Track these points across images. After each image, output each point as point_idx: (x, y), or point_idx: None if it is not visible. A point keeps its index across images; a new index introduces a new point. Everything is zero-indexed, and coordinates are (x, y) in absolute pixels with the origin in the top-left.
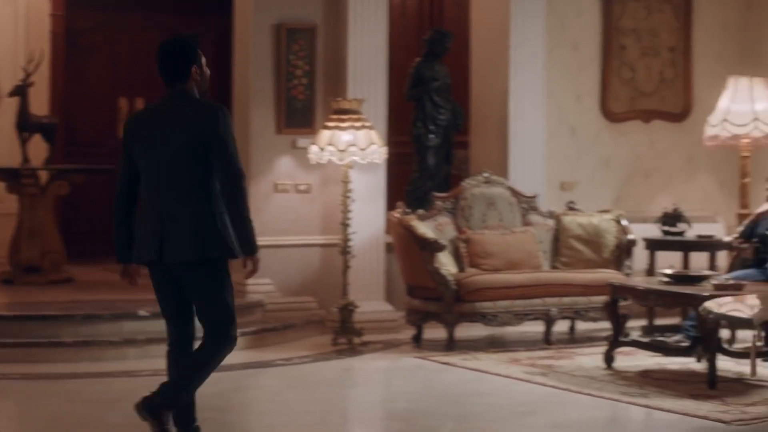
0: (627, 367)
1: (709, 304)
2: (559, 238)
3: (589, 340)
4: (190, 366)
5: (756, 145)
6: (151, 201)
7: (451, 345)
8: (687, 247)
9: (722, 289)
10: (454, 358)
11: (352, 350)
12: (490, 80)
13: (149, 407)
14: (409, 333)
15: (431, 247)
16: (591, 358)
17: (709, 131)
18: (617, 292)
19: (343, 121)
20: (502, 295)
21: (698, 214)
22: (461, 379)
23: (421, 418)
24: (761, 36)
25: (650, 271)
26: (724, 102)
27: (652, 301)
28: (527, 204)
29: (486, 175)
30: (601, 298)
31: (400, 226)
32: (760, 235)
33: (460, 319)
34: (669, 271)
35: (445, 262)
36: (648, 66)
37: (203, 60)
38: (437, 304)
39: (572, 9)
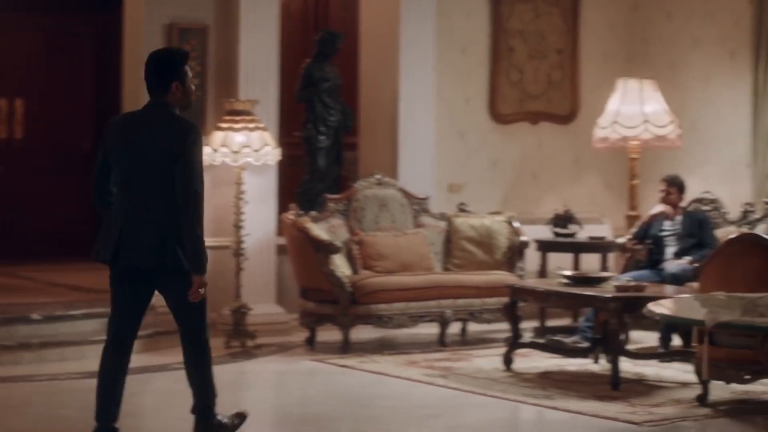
0: (526, 368)
1: (653, 306)
2: (450, 239)
3: (482, 341)
4: (195, 378)
5: (645, 147)
6: (122, 206)
7: (346, 347)
8: (579, 248)
9: (623, 291)
10: (351, 361)
11: (246, 353)
12: (380, 82)
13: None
14: (301, 335)
15: (326, 249)
16: (488, 359)
17: (599, 133)
18: (516, 293)
19: (236, 122)
20: (397, 297)
21: (585, 215)
22: (362, 381)
23: (332, 421)
24: (647, 38)
25: (542, 273)
26: (613, 104)
27: (553, 302)
28: (419, 206)
29: (378, 176)
30: (495, 300)
31: (295, 229)
32: (653, 237)
33: (355, 321)
34: (568, 273)
35: (339, 264)
36: (536, 68)
37: (189, 75)
38: (332, 307)
39: (461, 11)
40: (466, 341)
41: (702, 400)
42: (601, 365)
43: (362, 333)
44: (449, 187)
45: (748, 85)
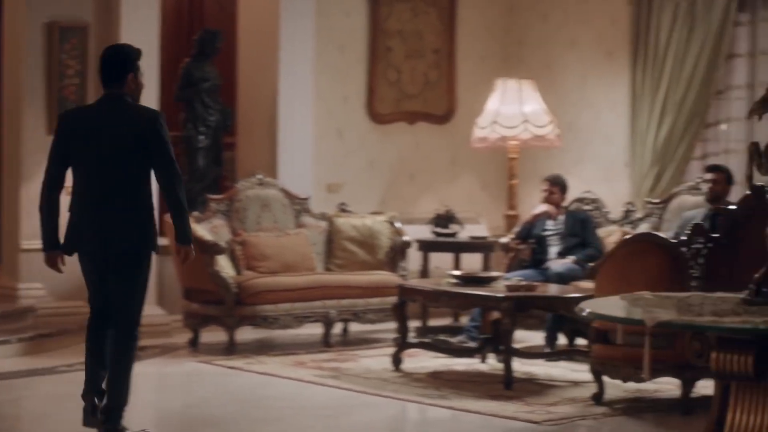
0: (415, 368)
1: (585, 305)
2: (332, 239)
3: (365, 342)
4: (117, 374)
5: (524, 147)
6: (89, 194)
7: (231, 349)
8: (461, 248)
9: (515, 290)
10: (238, 362)
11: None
12: (259, 81)
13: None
14: (184, 337)
15: (212, 249)
16: (375, 360)
17: (479, 133)
18: (406, 293)
19: None
20: (282, 298)
21: (462, 215)
22: (252, 383)
23: (231, 423)
24: (523, 39)
25: (424, 273)
26: (493, 104)
27: (444, 302)
28: (300, 206)
29: (259, 176)
30: (378, 300)
31: None
32: (536, 236)
33: (241, 322)
34: (457, 273)
35: (224, 265)
36: (413, 68)
37: (140, 70)
38: (218, 308)
39: (340, 10)
40: (348, 341)
41: (598, 398)
42: (489, 365)
43: (246, 334)
44: (327, 187)
45: (625, 85)
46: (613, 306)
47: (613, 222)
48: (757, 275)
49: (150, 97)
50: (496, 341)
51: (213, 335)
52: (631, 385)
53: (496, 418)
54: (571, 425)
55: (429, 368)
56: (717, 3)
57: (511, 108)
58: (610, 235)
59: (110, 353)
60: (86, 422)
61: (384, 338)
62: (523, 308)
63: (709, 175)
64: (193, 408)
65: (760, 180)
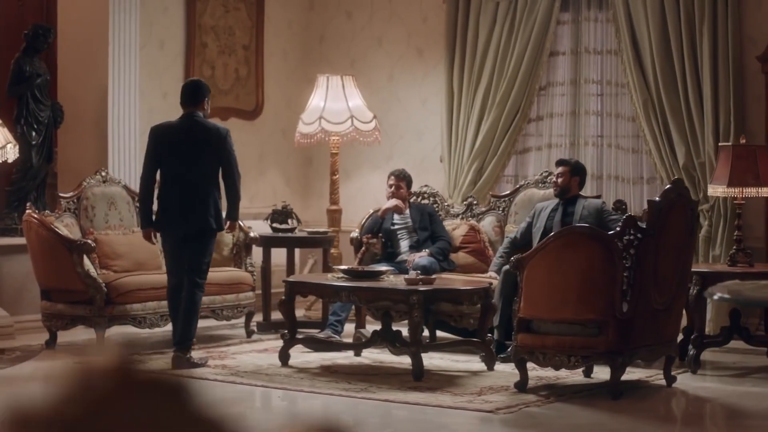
0: (302, 363)
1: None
2: None
3: (221, 339)
4: (187, 312)
5: (348, 141)
6: (175, 186)
7: None
8: (302, 243)
9: (413, 284)
10: None
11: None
12: (85, 77)
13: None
14: (31, 339)
15: (80, 248)
16: (250, 356)
17: (304, 129)
18: (294, 289)
19: None
20: (151, 296)
21: (269, 210)
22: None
23: None
24: (324, 35)
25: (267, 269)
26: (317, 100)
27: (343, 297)
28: None
29: (103, 173)
30: (233, 297)
31: (42, 228)
32: (385, 231)
33: (111, 322)
34: (344, 267)
35: (87, 264)
36: (225, 64)
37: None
38: (86, 308)
39: (160, 5)
40: (206, 338)
41: (522, 386)
42: (370, 358)
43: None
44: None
45: (437, 82)
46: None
47: (456, 215)
48: None
49: None
50: (387, 334)
51: (68, 336)
52: (545, 374)
53: (441, 408)
54: (525, 413)
55: (314, 363)
56: (540, 2)
57: (337, 104)
58: (456, 228)
59: (184, 299)
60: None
61: (238, 335)
62: (431, 301)
63: (557, 169)
64: None
65: None
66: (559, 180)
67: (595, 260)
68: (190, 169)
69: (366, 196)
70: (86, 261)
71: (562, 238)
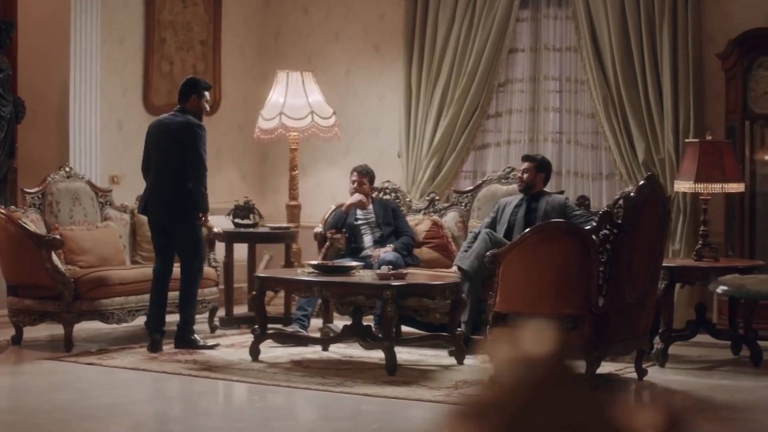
0: (272, 358)
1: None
2: (136, 232)
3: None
4: (180, 299)
5: (307, 137)
6: (152, 176)
7: (69, 345)
8: (264, 238)
9: (386, 279)
10: (91, 358)
11: None
12: (46, 73)
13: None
14: None
15: (49, 244)
16: (218, 351)
17: (264, 125)
18: (265, 285)
19: None
20: (118, 291)
21: (225, 205)
22: (143, 379)
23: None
24: (280, 31)
25: (229, 264)
26: (276, 96)
27: (315, 292)
28: (104, 198)
29: (68, 168)
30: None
31: (10, 223)
32: (348, 226)
33: (79, 317)
34: (314, 262)
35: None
36: (183, 60)
37: (206, 97)
38: (54, 303)
39: (119, 1)
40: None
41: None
42: (338, 353)
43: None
44: (111, 179)
45: (394, 78)
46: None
47: (418, 211)
48: None
49: None
50: (357, 329)
51: (35, 332)
52: None
53: (421, 402)
54: None
55: (284, 358)
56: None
57: (298, 100)
58: (419, 224)
59: (180, 284)
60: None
61: (200, 330)
62: (404, 296)
63: (523, 165)
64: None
65: None
66: (525, 176)
67: (571, 255)
68: (162, 161)
69: (323, 192)
70: (54, 256)
71: (538, 234)
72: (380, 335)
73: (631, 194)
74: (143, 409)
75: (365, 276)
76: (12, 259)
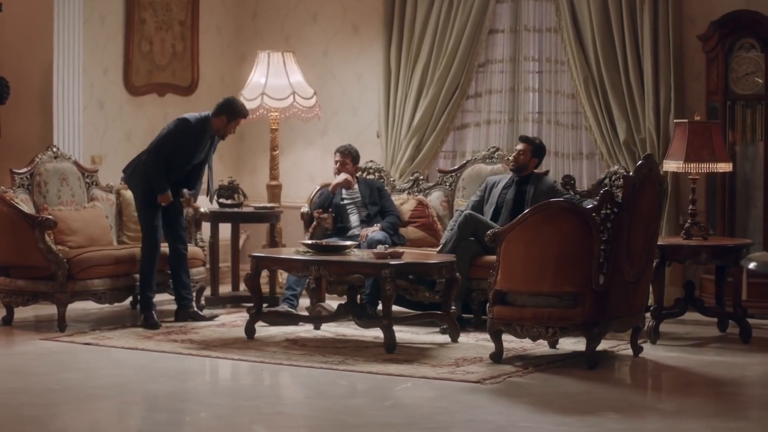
0: (267, 337)
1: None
2: (122, 212)
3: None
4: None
5: (288, 117)
6: None
7: (62, 325)
8: (249, 218)
9: (383, 258)
10: (86, 338)
11: None
12: (31, 53)
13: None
14: None
15: (42, 224)
16: (211, 330)
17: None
18: (261, 264)
19: None
20: (110, 272)
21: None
22: (144, 358)
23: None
24: (258, 11)
25: (215, 244)
26: (257, 77)
27: (313, 271)
28: (90, 179)
29: (55, 149)
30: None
31: (3, 204)
32: (335, 206)
33: (72, 297)
34: (309, 242)
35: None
36: (162, 39)
37: (234, 122)
38: (47, 284)
39: None
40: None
41: (497, 357)
42: (331, 331)
43: (46, 310)
44: (92, 159)
45: (373, 59)
46: None
47: (402, 190)
48: None
49: None
50: (353, 308)
51: (25, 312)
52: (515, 345)
53: (427, 380)
54: (509, 383)
55: (278, 336)
56: None
57: (279, 80)
58: (404, 203)
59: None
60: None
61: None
62: (402, 274)
63: (519, 146)
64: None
65: None
66: (520, 157)
67: (573, 234)
68: None
69: (301, 172)
70: (46, 237)
71: (540, 213)
72: (371, 313)
73: (630, 174)
74: (153, 388)
75: (361, 255)
76: (4, 240)
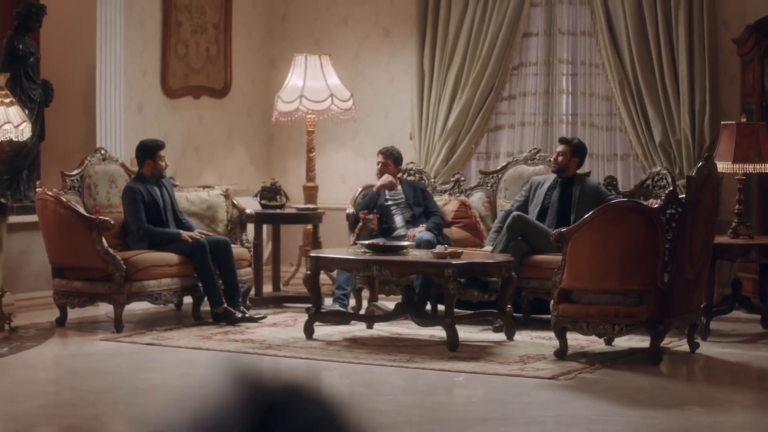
0: (324, 336)
1: None
2: None
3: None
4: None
5: (325, 119)
6: None
7: (119, 326)
8: (292, 219)
9: (443, 257)
10: (147, 338)
11: (18, 337)
12: (74, 56)
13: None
14: (29, 317)
15: (100, 226)
16: (268, 330)
17: (283, 107)
18: (320, 264)
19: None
20: (165, 273)
21: (236, 187)
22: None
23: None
24: (287, 14)
25: (259, 245)
26: (295, 79)
27: (375, 271)
28: None
29: (103, 152)
30: (243, 271)
31: (60, 206)
32: (379, 207)
33: (129, 298)
34: (367, 242)
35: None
36: (197, 43)
37: (156, 158)
38: (105, 285)
39: None
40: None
41: (562, 354)
42: (385, 330)
43: (93, 311)
44: (131, 161)
45: (406, 62)
46: None
47: (444, 191)
48: None
49: None
50: (411, 307)
51: (77, 313)
52: (576, 342)
53: (497, 376)
54: (582, 379)
55: (335, 336)
56: None
57: (317, 83)
58: (446, 204)
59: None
60: None
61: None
62: (463, 274)
63: (559, 147)
64: None
65: None
66: (560, 159)
67: (638, 233)
68: None
69: (333, 173)
70: (102, 239)
71: (606, 213)
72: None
73: (693, 174)
74: None
75: (419, 255)
76: (60, 242)
